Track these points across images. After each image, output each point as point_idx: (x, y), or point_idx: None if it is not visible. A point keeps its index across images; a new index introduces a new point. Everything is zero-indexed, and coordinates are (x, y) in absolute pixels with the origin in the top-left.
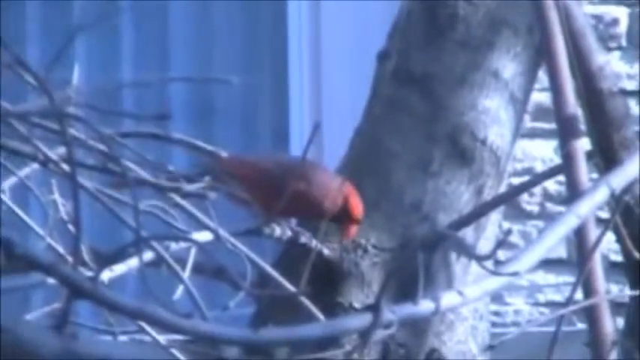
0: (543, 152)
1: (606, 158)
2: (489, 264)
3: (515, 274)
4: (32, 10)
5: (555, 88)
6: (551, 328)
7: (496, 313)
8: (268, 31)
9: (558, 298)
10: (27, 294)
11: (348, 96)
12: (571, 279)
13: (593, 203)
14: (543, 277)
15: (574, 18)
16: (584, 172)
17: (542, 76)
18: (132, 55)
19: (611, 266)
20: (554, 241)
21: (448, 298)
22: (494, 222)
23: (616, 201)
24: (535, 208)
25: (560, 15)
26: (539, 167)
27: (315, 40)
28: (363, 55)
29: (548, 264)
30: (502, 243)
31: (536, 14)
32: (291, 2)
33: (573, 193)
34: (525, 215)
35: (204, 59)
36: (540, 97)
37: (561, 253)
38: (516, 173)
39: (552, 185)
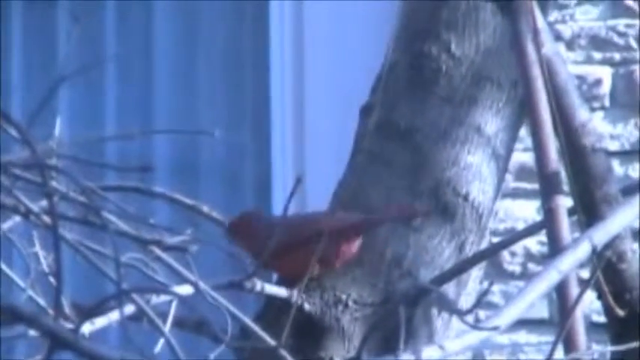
0: (526, 212)
1: (588, 214)
2: (470, 319)
3: (495, 328)
4: (16, 60)
5: (537, 143)
6: None
7: None
8: (251, 86)
9: (540, 357)
10: (9, 346)
11: (332, 149)
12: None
13: (575, 259)
14: (525, 337)
15: (557, 74)
16: (566, 228)
17: (526, 136)
18: (115, 109)
19: (592, 326)
20: (535, 297)
21: (429, 352)
22: (475, 278)
23: (598, 257)
24: (517, 268)
25: (543, 71)
26: (522, 227)
27: (299, 94)
28: (346, 107)
29: (530, 324)
30: (483, 297)
31: (519, 70)
32: (273, 55)
33: (555, 249)
34: (507, 275)
35: (187, 116)
36: (523, 156)
37: (543, 313)
38: (499, 233)
39: (535, 245)
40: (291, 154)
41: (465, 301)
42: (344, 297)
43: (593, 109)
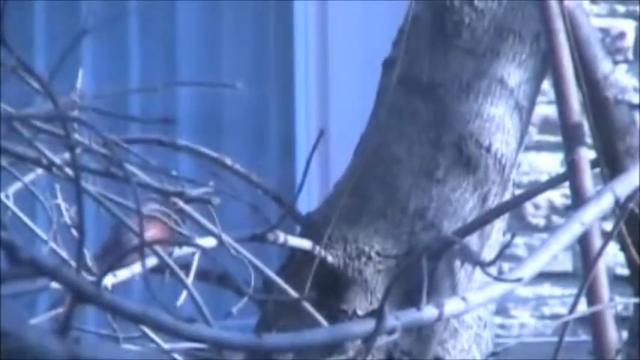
0: (549, 165)
1: (611, 167)
2: (493, 271)
3: (518, 280)
4: (38, 14)
5: (560, 96)
6: (555, 338)
7: (501, 326)
8: (275, 41)
9: (563, 311)
10: (32, 299)
11: (355, 103)
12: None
13: (598, 210)
14: (549, 290)
15: (579, 26)
16: (589, 180)
17: (549, 89)
18: (139, 62)
19: (615, 279)
20: (557, 249)
21: (452, 305)
22: (498, 230)
23: (620, 208)
24: (541, 221)
25: (565, 23)
26: (545, 180)
27: (322, 48)
28: (369, 62)
29: (554, 277)
30: (506, 248)
31: (541, 22)
32: (297, 10)
33: (578, 201)
34: (531, 227)
35: (211, 69)
36: (547, 109)
37: (567, 266)
38: (522, 186)
39: (558, 198)
40: (315, 107)
41: (488, 253)
42: (367, 249)
43: (616, 62)
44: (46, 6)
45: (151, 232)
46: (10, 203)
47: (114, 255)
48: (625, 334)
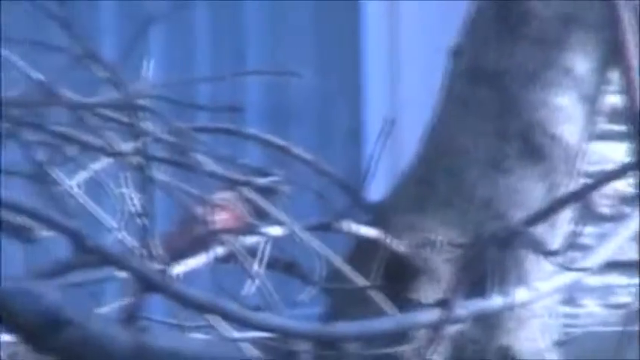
0: (617, 154)
1: None
2: (560, 260)
3: (585, 269)
4: (106, 2)
5: (627, 85)
6: (622, 328)
7: (569, 315)
8: (342, 29)
9: (630, 299)
10: (99, 288)
11: (422, 92)
12: None
13: None
14: (616, 280)
15: None
16: None
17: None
18: (207, 49)
19: None
20: (625, 238)
21: (519, 294)
22: (565, 220)
23: None
24: (608, 211)
25: (631, 13)
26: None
27: (391, 37)
28: (437, 50)
29: (621, 266)
30: (573, 238)
31: (607, 12)
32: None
33: None
34: (599, 217)
35: (278, 58)
36: (615, 99)
37: (634, 255)
38: (590, 175)
39: (626, 187)
40: (382, 96)
41: (556, 243)
42: (434, 238)
43: None
44: None
45: (219, 221)
46: (77, 192)
47: (181, 244)
48: None
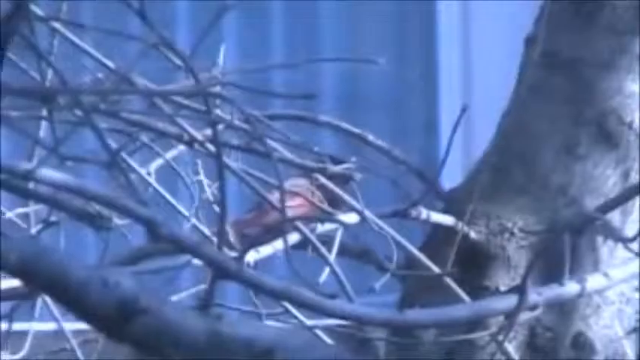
0: None
1: None
2: (635, 247)
3: None
4: None
5: None
6: None
7: None
8: (417, 17)
9: None
10: (173, 275)
11: (498, 80)
12: None
13: None
14: None
15: None
16: None
17: None
18: (281, 38)
19: None
20: None
21: (594, 281)
22: None
23: None
24: None
25: None
26: None
27: (465, 26)
28: (512, 38)
29: None
30: None
31: None
32: None
33: None
34: None
35: (353, 45)
36: None
37: None
38: None
39: None
40: (458, 83)
41: (631, 229)
42: (509, 225)
43: None
44: None
45: (293, 209)
46: (152, 180)
47: (256, 231)
48: None
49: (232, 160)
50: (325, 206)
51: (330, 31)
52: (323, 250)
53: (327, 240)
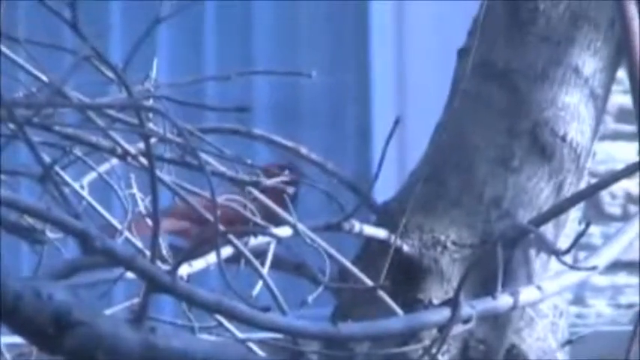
0: (626, 154)
1: None
2: (568, 259)
3: (593, 268)
4: (113, 2)
5: (634, 84)
6: (631, 327)
7: (577, 315)
8: (351, 29)
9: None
10: (107, 288)
11: (431, 91)
12: None
13: None
14: (625, 279)
15: None
16: None
17: (625, 78)
18: (214, 49)
19: None
20: (632, 237)
21: (527, 293)
22: (573, 219)
23: None
24: (617, 210)
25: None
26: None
27: (399, 36)
28: (445, 49)
29: (630, 266)
30: (581, 237)
31: (616, 9)
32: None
33: None
34: (607, 216)
35: (287, 57)
36: (623, 98)
37: None
38: (598, 175)
39: (634, 187)
40: (391, 95)
41: (564, 242)
42: (443, 238)
43: None
44: None
45: (227, 222)
46: (85, 193)
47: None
48: None
49: (165, 174)
50: (259, 220)
51: (263, 43)
52: (256, 263)
53: (260, 253)
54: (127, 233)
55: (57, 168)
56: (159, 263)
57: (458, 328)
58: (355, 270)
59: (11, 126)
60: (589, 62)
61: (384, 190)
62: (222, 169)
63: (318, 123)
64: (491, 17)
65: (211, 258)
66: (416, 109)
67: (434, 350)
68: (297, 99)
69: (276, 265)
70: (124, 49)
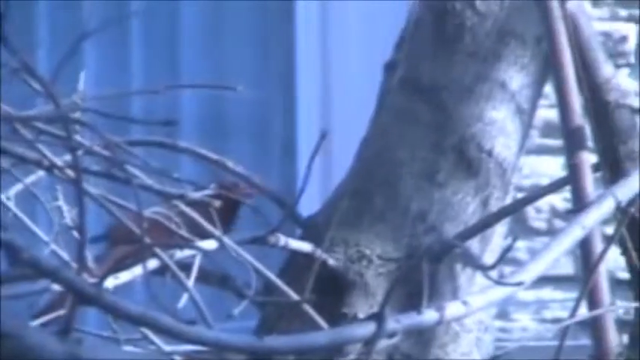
0: (551, 169)
1: (612, 170)
2: (494, 275)
3: (519, 283)
4: (40, 15)
5: (562, 99)
6: (556, 342)
7: (502, 330)
8: (276, 42)
9: (564, 314)
10: (32, 300)
11: (357, 106)
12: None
13: (599, 214)
14: (550, 294)
15: (581, 30)
16: (590, 184)
17: (551, 93)
18: (141, 63)
19: (617, 283)
20: (559, 253)
21: (452, 308)
22: (499, 234)
23: (622, 213)
24: (542, 224)
25: (567, 27)
26: (547, 183)
27: (324, 50)
28: (371, 64)
29: (555, 280)
30: (507, 252)
31: (543, 25)
32: (298, 12)
33: (579, 205)
34: (532, 231)
35: (213, 71)
36: (549, 113)
37: (568, 269)
38: (524, 189)
39: (559, 202)
40: (317, 109)
41: (490, 257)
42: (368, 252)
43: (618, 66)
44: (47, 7)
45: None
46: (11, 205)
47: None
48: (626, 338)
49: (92, 186)
50: (184, 232)
51: (189, 57)
52: (182, 276)
53: (186, 266)
54: (53, 245)
55: None
56: (85, 276)
57: (383, 343)
58: (280, 284)
59: None
60: (516, 78)
61: (308, 205)
62: (148, 182)
63: (244, 136)
64: (418, 32)
65: (137, 270)
66: (341, 123)
67: None
68: (223, 113)
69: (202, 278)
70: (51, 63)
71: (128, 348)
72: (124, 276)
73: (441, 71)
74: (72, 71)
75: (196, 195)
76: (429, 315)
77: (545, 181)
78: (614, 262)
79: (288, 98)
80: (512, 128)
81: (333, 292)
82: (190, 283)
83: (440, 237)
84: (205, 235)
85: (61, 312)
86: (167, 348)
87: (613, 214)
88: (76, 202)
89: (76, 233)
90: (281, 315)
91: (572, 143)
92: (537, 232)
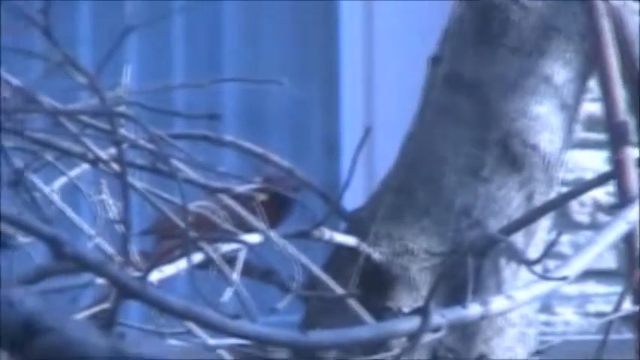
0: (594, 163)
1: None
2: (538, 269)
3: (563, 278)
4: (84, 10)
5: (606, 95)
6: (600, 337)
7: (546, 324)
8: (320, 38)
9: (608, 308)
10: (76, 294)
11: (401, 101)
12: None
13: None
14: (593, 288)
15: (625, 25)
16: (634, 179)
17: (595, 87)
18: (184, 57)
19: None
20: (603, 247)
21: (497, 303)
22: (543, 228)
23: None
24: (586, 219)
25: (611, 22)
26: (590, 178)
27: (368, 45)
28: (415, 59)
29: (599, 275)
30: (551, 247)
31: (587, 20)
32: (343, 8)
33: (623, 200)
34: (576, 225)
35: (256, 66)
36: (592, 107)
37: (611, 264)
38: (567, 183)
39: (603, 196)
40: (360, 104)
41: (534, 251)
42: (412, 246)
43: None
44: (91, 5)
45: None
46: (56, 198)
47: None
48: None
49: (136, 180)
50: (229, 226)
51: (232, 50)
52: (226, 269)
53: (230, 260)
54: (97, 239)
55: (28, 173)
56: (129, 269)
57: (427, 337)
58: (325, 277)
59: None
60: (560, 72)
61: (352, 199)
62: (192, 175)
63: (287, 131)
64: (462, 27)
65: (182, 264)
66: (385, 118)
67: (403, 359)
68: (265, 107)
69: (246, 272)
70: (94, 57)
71: (172, 342)
72: (169, 270)
73: (484, 66)
74: (115, 65)
75: (241, 188)
76: (473, 309)
77: (588, 175)
78: None
79: (330, 94)
80: (557, 123)
81: (377, 286)
82: (235, 276)
83: (484, 232)
84: (250, 228)
85: (105, 306)
86: (211, 342)
87: None
88: (120, 196)
89: (120, 227)
90: (324, 309)
91: (616, 139)
92: (580, 226)
